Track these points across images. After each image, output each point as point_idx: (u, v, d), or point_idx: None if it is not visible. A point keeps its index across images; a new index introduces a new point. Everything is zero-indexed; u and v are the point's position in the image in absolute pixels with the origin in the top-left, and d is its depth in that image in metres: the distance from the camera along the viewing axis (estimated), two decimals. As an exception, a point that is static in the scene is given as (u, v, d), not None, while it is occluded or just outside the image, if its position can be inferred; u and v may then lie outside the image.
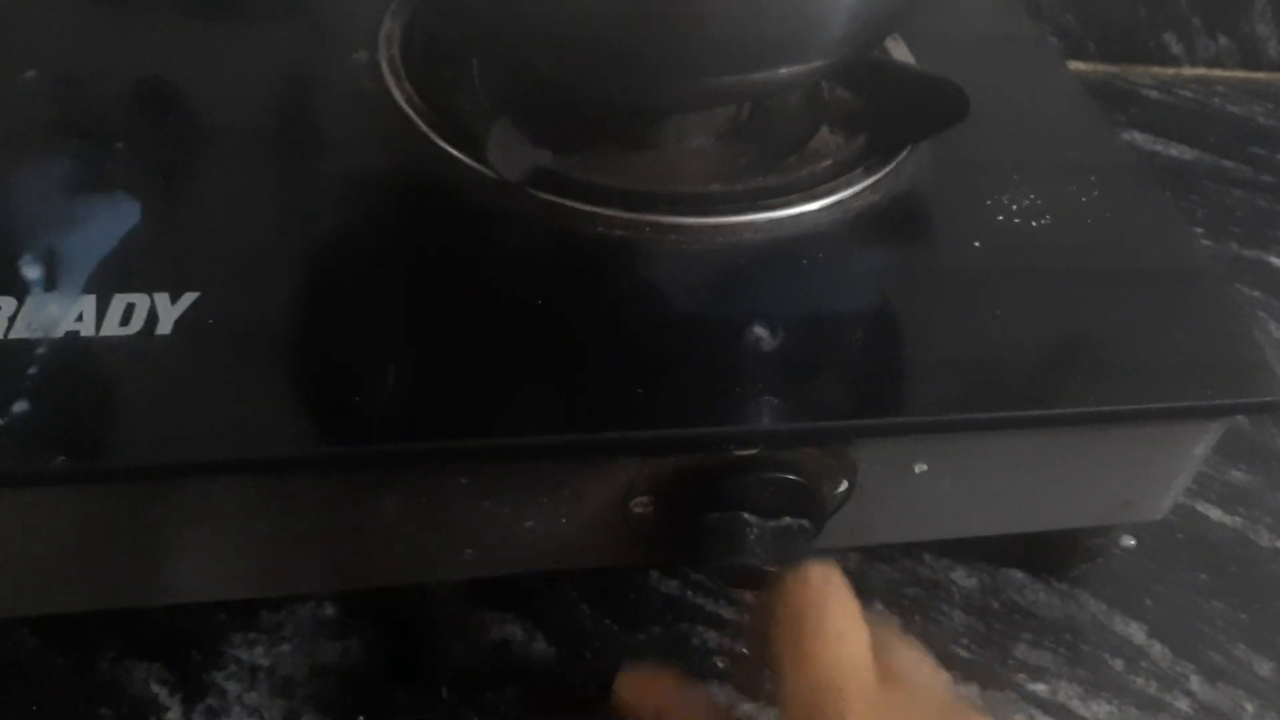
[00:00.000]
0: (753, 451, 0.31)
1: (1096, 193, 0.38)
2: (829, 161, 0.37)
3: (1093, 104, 0.44)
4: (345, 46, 0.39)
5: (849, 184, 0.36)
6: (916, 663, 0.27)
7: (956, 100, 0.36)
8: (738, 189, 0.35)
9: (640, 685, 0.30)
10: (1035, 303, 0.33)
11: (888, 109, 0.38)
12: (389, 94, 0.37)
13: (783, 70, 0.33)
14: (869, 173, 0.37)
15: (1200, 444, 0.34)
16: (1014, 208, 0.37)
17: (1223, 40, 0.67)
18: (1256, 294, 0.53)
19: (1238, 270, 0.54)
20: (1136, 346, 0.33)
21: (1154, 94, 0.66)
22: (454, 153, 0.34)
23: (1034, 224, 0.36)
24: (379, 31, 0.39)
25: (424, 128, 0.35)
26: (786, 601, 0.26)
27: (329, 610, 0.35)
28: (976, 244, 0.35)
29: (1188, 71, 0.68)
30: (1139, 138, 0.62)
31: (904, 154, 0.37)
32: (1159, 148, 0.62)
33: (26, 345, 0.28)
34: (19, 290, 0.29)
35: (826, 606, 0.26)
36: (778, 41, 0.31)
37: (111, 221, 0.31)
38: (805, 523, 0.30)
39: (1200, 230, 0.57)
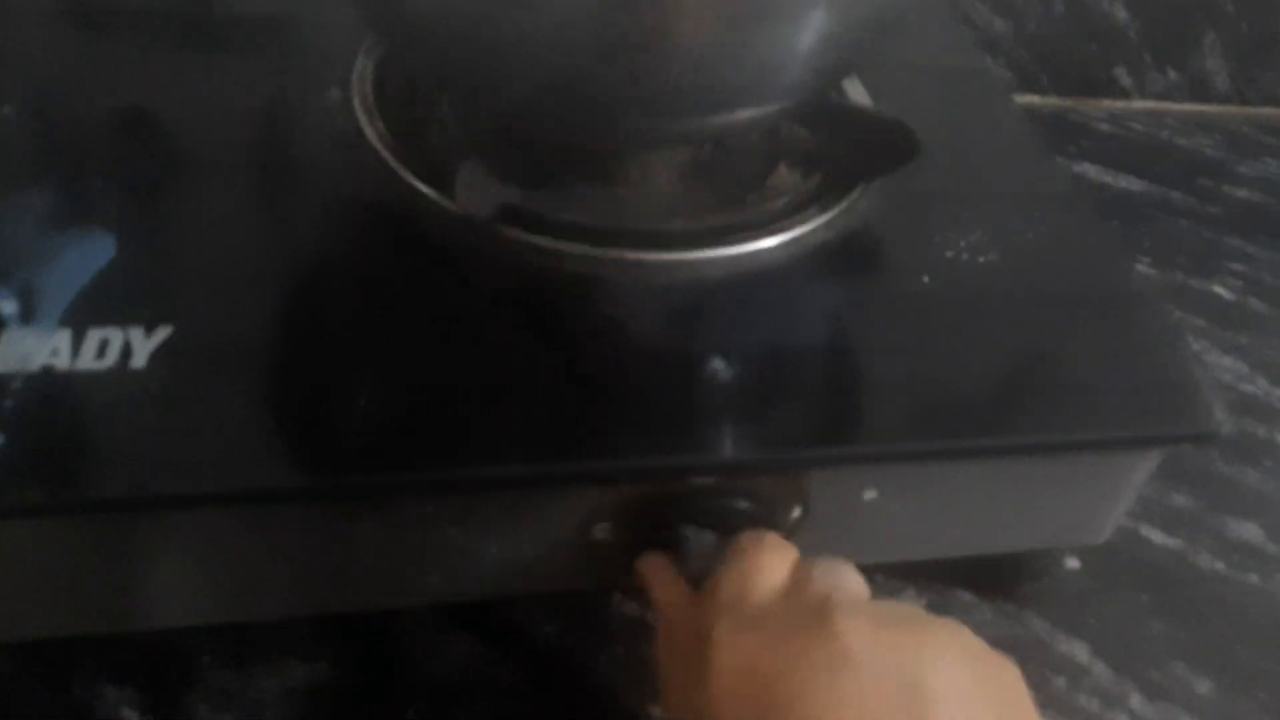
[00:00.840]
0: (710, 480, 0.32)
1: (1041, 227, 0.40)
2: (786, 199, 0.39)
3: (1038, 138, 0.46)
4: (320, 83, 0.40)
5: (804, 221, 0.37)
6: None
7: (907, 142, 0.37)
8: (698, 226, 0.37)
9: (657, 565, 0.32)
10: (981, 336, 0.35)
11: (842, 148, 0.40)
12: (361, 132, 0.38)
13: (742, 113, 0.34)
14: (824, 210, 0.38)
15: (1140, 471, 0.36)
16: (961, 243, 0.38)
17: (1172, 75, 0.70)
18: (1200, 322, 0.55)
19: (1183, 299, 0.56)
20: (1079, 378, 0.35)
21: (1105, 127, 0.68)
22: (424, 189, 0.36)
23: (980, 259, 0.38)
24: (352, 69, 0.40)
25: (394, 164, 0.36)
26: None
27: (298, 632, 0.35)
28: (925, 279, 0.37)
29: (1138, 105, 0.70)
30: (1090, 169, 0.64)
31: (857, 191, 0.39)
32: (1109, 179, 0.64)
33: (1, 379, 0.28)
34: (-6, 324, 0.30)
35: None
36: (737, 86, 0.33)
37: (87, 255, 0.32)
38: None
39: (1147, 260, 0.59)
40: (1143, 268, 0.58)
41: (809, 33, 0.32)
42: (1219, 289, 0.58)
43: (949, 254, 0.38)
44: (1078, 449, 0.34)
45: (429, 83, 0.39)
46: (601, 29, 0.30)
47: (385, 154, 0.37)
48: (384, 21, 0.36)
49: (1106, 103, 0.70)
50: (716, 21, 0.30)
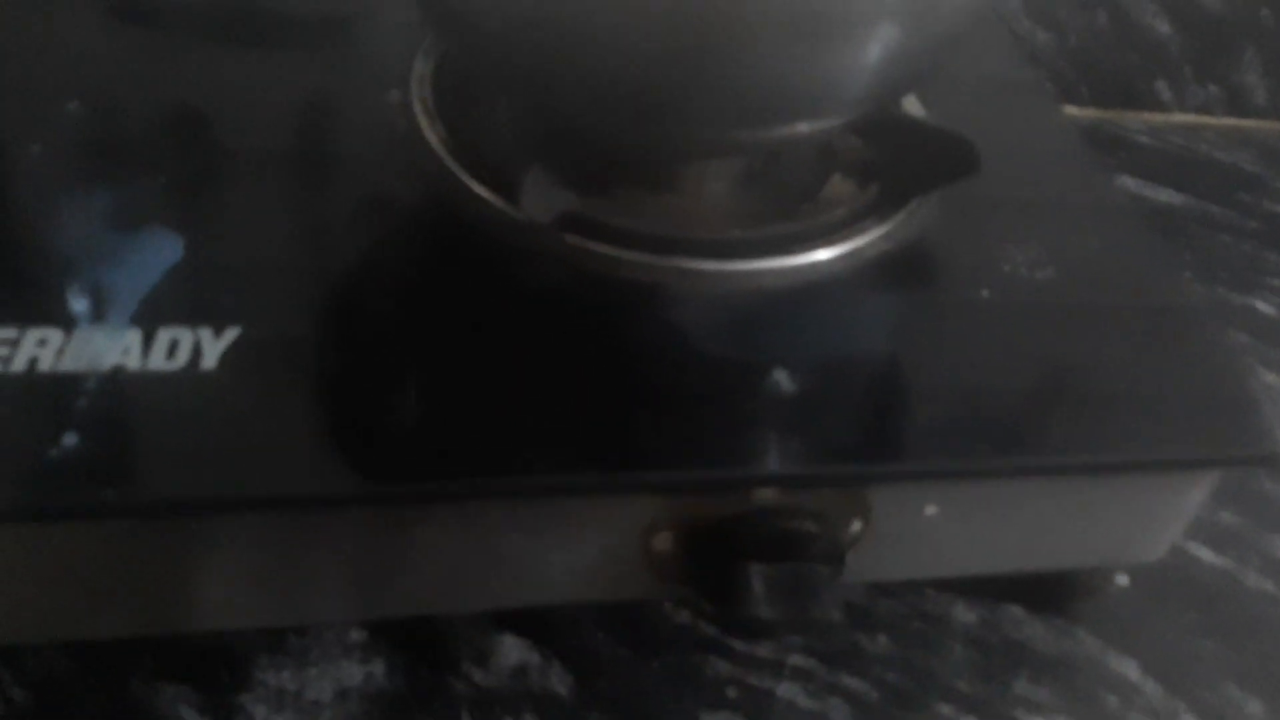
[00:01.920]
0: (771, 492, 0.32)
1: (1096, 241, 0.40)
2: (843, 209, 0.38)
3: (1089, 151, 0.46)
4: (379, 84, 0.40)
5: (862, 232, 0.37)
6: None
7: (968, 156, 0.37)
8: (757, 236, 0.37)
9: None
10: (1041, 352, 0.35)
11: (899, 160, 0.40)
12: (422, 135, 0.38)
13: (805, 125, 0.34)
14: (881, 220, 0.38)
15: (1199, 491, 0.36)
16: (1018, 257, 0.38)
17: (1212, 88, 0.69)
18: (1244, 338, 0.55)
19: (1225, 315, 0.56)
20: (1139, 396, 0.34)
21: (1144, 139, 0.68)
22: (485, 194, 0.36)
23: (1038, 274, 0.38)
24: (411, 71, 0.40)
25: (455, 169, 0.36)
26: None
27: (353, 635, 0.35)
28: (984, 293, 0.37)
29: (1177, 118, 0.70)
30: (1129, 182, 0.64)
31: (914, 203, 0.39)
32: (1148, 192, 0.64)
33: (74, 378, 0.28)
34: (66, 322, 0.30)
35: None
36: (802, 98, 0.33)
37: (155, 254, 0.32)
38: (822, 566, 0.31)
39: (1188, 274, 0.58)
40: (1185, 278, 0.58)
41: (877, 47, 0.32)
42: (1260, 304, 0.57)
43: (1006, 268, 0.38)
44: (1138, 470, 0.34)
45: (490, 86, 0.39)
46: (668, 35, 0.30)
47: (446, 157, 0.37)
48: (447, 23, 0.36)
49: (1146, 115, 0.70)
50: (783, 34, 0.30)
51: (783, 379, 0.32)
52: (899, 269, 0.37)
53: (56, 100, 0.36)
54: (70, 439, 0.27)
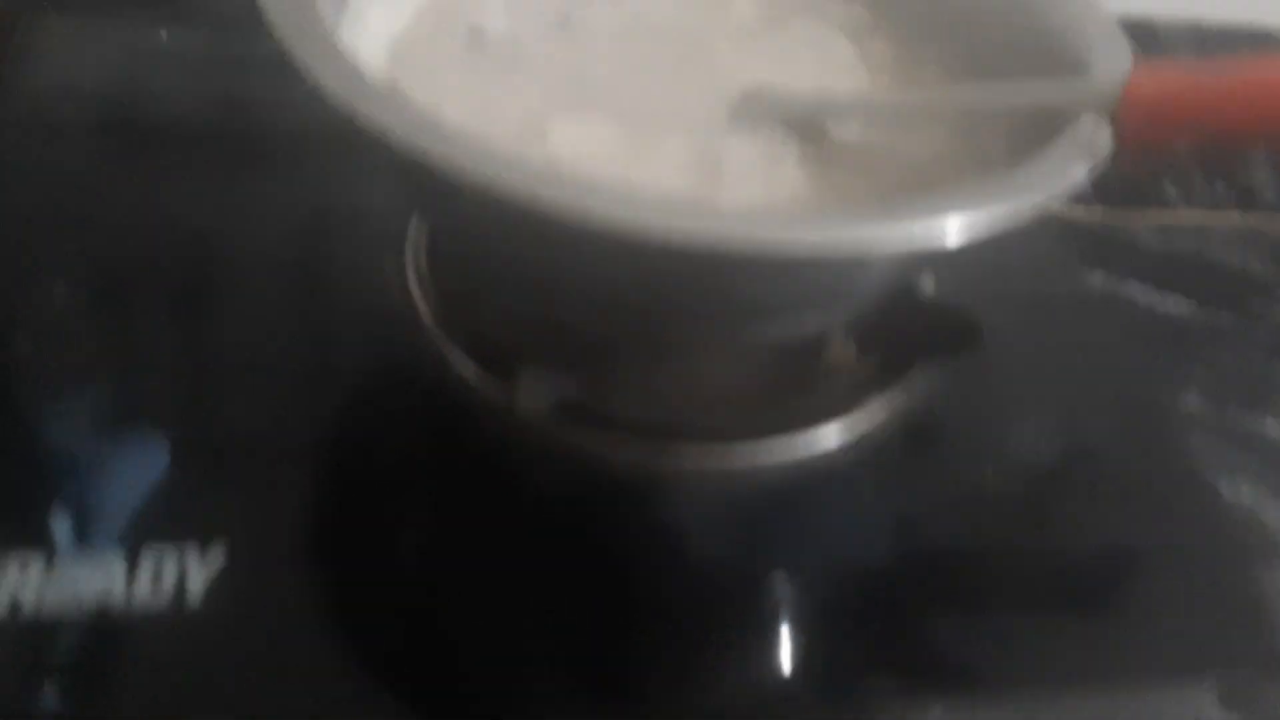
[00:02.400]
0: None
1: (1112, 417, 0.39)
2: (844, 382, 0.38)
3: (1110, 315, 0.45)
4: (374, 248, 0.39)
5: (864, 405, 0.37)
6: None
7: (970, 332, 0.37)
8: (756, 417, 0.36)
9: None
10: (1049, 561, 0.34)
11: (901, 331, 0.39)
12: (415, 307, 0.37)
13: (807, 321, 0.33)
14: (883, 389, 0.37)
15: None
16: (1025, 428, 0.38)
17: (1219, 187, 0.69)
18: (1253, 464, 0.54)
19: (1234, 438, 0.55)
20: (1152, 602, 0.34)
21: (1151, 241, 0.67)
22: (478, 379, 0.35)
23: (1045, 452, 0.37)
24: (406, 235, 0.39)
25: (448, 348, 0.36)
26: None
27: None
28: (989, 474, 0.36)
29: (1185, 216, 0.69)
30: (1136, 289, 0.63)
31: (915, 369, 0.38)
32: (1155, 300, 0.63)
33: (55, 624, 0.28)
34: (48, 547, 0.29)
35: None
36: (806, 305, 0.32)
37: (139, 464, 0.31)
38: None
39: (1197, 393, 0.57)
40: (1193, 399, 0.57)
41: (878, 270, 0.31)
42: (1271, 427, 0.56)
43: (1014, 444, 0.37)
44: (1145, 685, 0.33)
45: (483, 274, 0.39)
46: (650, 286, 0.29)
47: (439, 335, 0.36)
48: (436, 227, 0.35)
49: (1153, 213, 0.69)
50: (774, 273, 0.29)
51: (779, 587, 0.31)
52: (902, 446, 0.36)
53: (41, 281, 0.36)
54: (49, 684, 0.26)
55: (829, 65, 0.37)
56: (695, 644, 0.30)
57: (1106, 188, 0.68)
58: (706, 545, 0.33)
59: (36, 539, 0.29)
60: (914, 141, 0.34)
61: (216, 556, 0.29)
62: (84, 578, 0.28)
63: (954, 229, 0.25)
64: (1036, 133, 0.32)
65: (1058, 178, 0.28)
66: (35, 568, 0.28)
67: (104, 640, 0.27)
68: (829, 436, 0.36)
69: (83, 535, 0.29)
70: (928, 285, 0.42)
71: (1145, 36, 0.71)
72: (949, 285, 0.39)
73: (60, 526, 0.29)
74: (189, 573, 0.29)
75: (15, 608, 0.27)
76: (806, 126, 0.34)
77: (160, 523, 0.30)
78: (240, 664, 0.28)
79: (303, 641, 0.29)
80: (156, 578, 0.29)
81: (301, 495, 0.32)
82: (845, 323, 0.40)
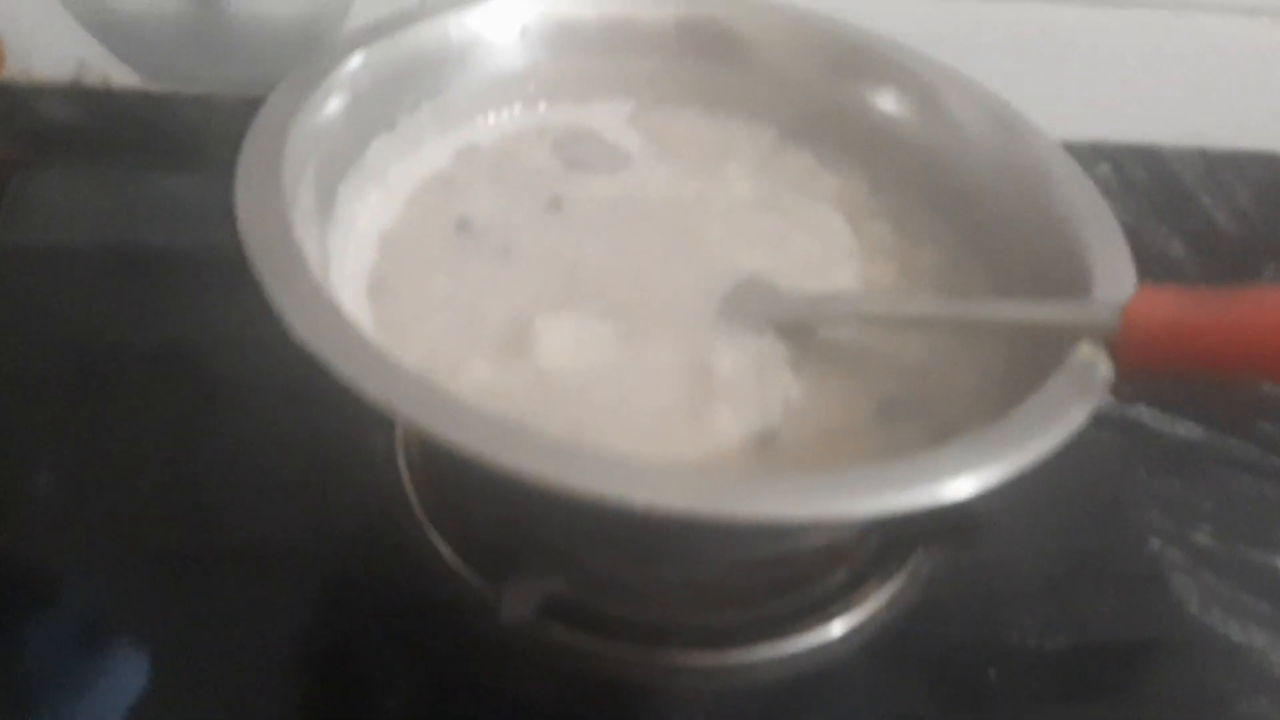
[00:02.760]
0: None
1: (1112, 604, 0.38)
2: (842, 568, 0.37)
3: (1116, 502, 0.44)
4: (363, 427, 0.38)
5: (864, 598, 0.36)
6: None
7: (967, 524, 0.36)
8: (752, 616, 0.35)
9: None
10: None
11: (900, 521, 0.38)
12: (404, 493, 0.36)
13: (802, 544, 0.33)
14: (883, 581, 0.36)
15: None
16: (1027, 621, 0.37)
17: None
18: (1265, 608, 0.53)
19: (1245, 578, 0.54)
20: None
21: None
22: (465, 574, 0.34)
23: (1048, 645, 0.36)
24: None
25: (437, 539, 0.35)
26: None
27: None
28: (991, 673, 0.35)
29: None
30: (1145, 413, 0.62)
31: (916, 556, 0.37)
32: (1166, 426, 0.62)
33: None
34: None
35: None
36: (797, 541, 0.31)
37: (118, 683, 0.31)
38: None
39: (1208, 528, 0.56)
40: (1202, 538, 0.56)
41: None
42: (1281, 563, 0.55)
43: (1014, 636, 0.36)
44: None
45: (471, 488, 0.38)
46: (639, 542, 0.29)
47: (427, 524, 0.35)
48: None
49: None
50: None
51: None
52: (903, 642, 0.35)
53: (27, 472, 0.35)
54: None
55: (825, 249, 0.37)
56: None
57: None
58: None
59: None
60: (910, 343, 0.34)
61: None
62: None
63: (953, 493, 0.25)
64: (1036, 341, 0.31)
65: (1060, 424, 0.27)
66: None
67: None
68: (826, 638, 0.35)
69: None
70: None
71: (1153, 162, 0.71)
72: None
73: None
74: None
75: None
76: (797, 327, 0.33)
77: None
78: None
79: None
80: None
81: (283, 699, 0.31)
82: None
